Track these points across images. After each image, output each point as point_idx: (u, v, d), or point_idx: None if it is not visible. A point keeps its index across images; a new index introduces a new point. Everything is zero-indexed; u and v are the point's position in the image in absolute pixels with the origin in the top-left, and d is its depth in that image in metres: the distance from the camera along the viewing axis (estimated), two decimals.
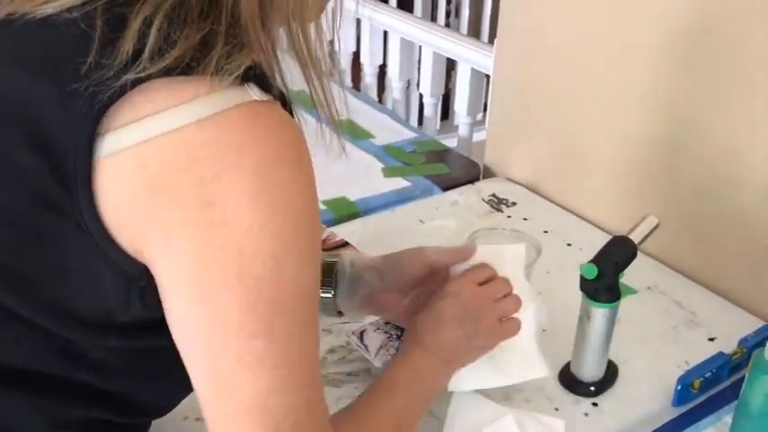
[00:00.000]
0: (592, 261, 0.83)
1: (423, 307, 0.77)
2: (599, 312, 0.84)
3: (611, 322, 0.86)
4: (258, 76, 0.51)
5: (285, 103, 0.55)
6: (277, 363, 0.51)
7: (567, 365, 0.90)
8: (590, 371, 0.88)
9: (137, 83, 0.48)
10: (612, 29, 1.13)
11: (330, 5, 0.59)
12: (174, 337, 0.52)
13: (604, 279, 0.82)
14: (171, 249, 0.49)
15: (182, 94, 0.48)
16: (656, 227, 0.86)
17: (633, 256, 0.84)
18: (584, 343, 0.87)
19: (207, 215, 0.48)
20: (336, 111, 0.58)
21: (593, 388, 0.88)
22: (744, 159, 1.01)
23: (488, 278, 0.77)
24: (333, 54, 0.61)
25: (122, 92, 0.48)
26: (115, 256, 0.50)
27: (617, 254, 0.84)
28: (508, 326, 0.77)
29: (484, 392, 0.83)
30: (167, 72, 0.48)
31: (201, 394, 0.53)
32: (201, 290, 0.50)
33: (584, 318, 0.86)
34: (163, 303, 0.52)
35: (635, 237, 0.85)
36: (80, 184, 0.48)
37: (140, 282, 0.52)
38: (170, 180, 0.48)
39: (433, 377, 0.73)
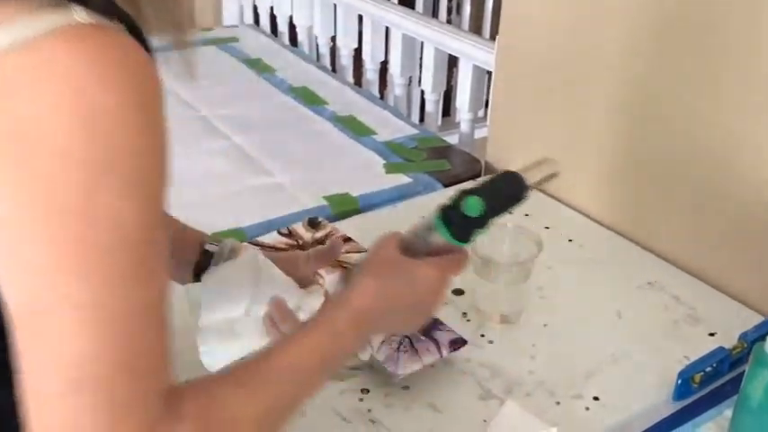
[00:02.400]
0: (478, 194, 0.69)
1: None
2: (438, 240, 0.71)
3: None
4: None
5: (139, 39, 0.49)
6: (83, 303, 0.46)
7: None
8: None
9: None
10: (615, 25, 1.14)
11: None
12: None
13: (483, 219, 0.70)
14: None
15: None
16: (555, 174, 0.76)
17: (520, 199, 0.72)
18: None
19: (19, 142, 0.44)
20: (190, 35, 0.54)
21: None
22: (745, 155, 1.01)
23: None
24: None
25: None
26: None
27: (504, 195, 0.71)
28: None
29: (528, 408, 0.84)
30: None
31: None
32: (12, 216, 0.45)
33: (428, 236, 0.72)
34: None
35: (529, 177, 0.73)
36: None
37: None
38: None
39: (347, 351, 0.67)
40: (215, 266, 0.80)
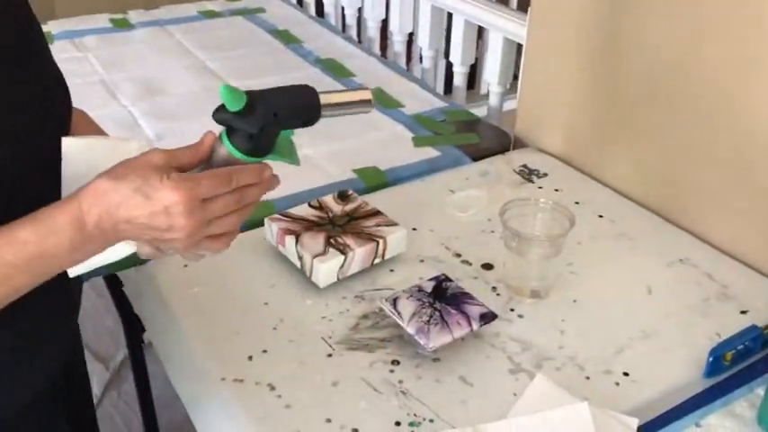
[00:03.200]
0: (246, 91, 0.64)
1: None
2: (226, 156, 0.67)
3: None
4: None
5: None
6: None
7: None
8: None
9: None
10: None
11: None
12: None
13: (249, 122, 0.64)
14: None
15: None
16: (367, 102, 0.70)
17: (309, 115, 0.67)
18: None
19: None
20: None
21: None
22: None
23: (218, 193, 0.66)
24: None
25: None
26: None
27: (285, 102, 0.66)
28: (204, 246, 0.69)
29: (558, 383, 0.84)
30: None
31: None
32: None
33: (216, 153, 0.68)
34: None
35: (327, 97, 0.67)
36: None
37: None
38: None
39: (65, 251, 0.62)
40: (84, 137, 0.74)
